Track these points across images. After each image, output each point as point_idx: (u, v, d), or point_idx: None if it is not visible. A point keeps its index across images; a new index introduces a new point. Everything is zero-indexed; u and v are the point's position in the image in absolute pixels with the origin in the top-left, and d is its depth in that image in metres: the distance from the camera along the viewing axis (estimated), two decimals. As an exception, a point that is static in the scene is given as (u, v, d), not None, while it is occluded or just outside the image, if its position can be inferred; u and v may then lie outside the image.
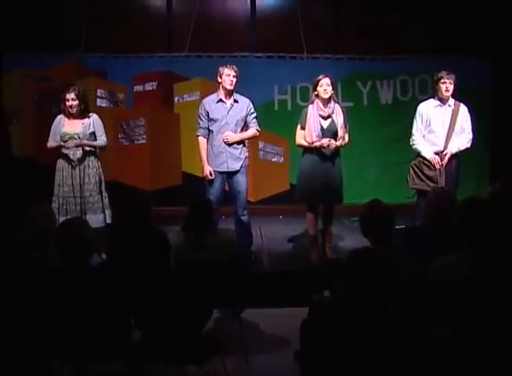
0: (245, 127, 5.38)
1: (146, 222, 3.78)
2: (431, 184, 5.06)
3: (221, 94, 5.29)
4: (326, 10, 7.57)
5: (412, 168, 5.29)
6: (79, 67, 7.03)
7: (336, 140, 5.13)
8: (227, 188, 5.40)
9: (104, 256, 4.62)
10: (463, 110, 5.29)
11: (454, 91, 5.23)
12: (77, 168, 5.18)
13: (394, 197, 5.74)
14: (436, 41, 7.00)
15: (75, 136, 5.15)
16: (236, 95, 5.32)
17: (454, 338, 2.62)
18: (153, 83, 7.28)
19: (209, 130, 5.30)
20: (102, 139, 5.30)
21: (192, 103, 7.04)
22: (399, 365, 2.34)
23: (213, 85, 5.56)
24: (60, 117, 5.26)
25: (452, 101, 5.28)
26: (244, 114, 5.31)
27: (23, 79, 7.04)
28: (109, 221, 5.26)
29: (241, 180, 5.32)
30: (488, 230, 2.88)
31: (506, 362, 2.57)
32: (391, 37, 7.13)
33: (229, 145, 5.27)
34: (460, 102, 5.31)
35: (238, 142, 5.31)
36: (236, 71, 5.21)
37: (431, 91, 5.68)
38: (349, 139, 5.27)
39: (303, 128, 5.21)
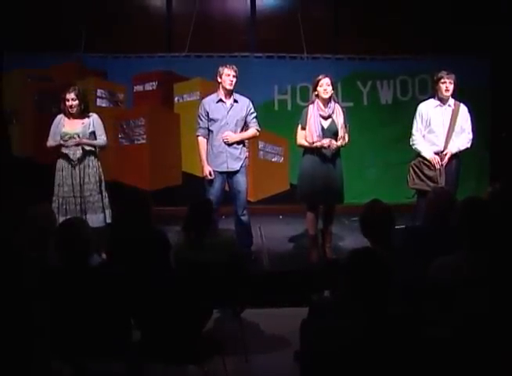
0: (245, 127, 5.38)
1: (146, 222, 3.79)
2: (431, 184, 5.06)
3: (221, 94, 5.29)
4: (326, 10, 7.58)
5: (412, 168, 5.29)
6: (79, 67, 7.03)
7: (336, 140, 5.13)
8: (227, 188, 5.40)
9: (104, 256, 4.62)
10: (463, 110, 5.29)
11: (454, 91, 5.23)
12: (77, 168, 5.18)
13: (394, 197, 5.75)
14: (436, 41, 7.00)
15: (75, 136, 5.16)
16: (236, 95, 5.32)
17: (454, 338, 2.62)
18: (153, 83, 7.28)
19: (209, 130, 5.30)
20: (102, 139, 5.30)
21: (192, 102, 7.04)
22: (399, 365, 2.34)
23: (213, 85, 5.56)
24: (60, 116, 5.26)
25: (452, 101, 5.28)
26: (244, 114, 5.31)
27: (23, 79, 7.04)
28: (109, 220, 5.27)
29: (241, 180, 5.32)
30: (488, 230, 2.88)
31: (506, 362, 2.57)
32: (391, 37, 7.13)
33: (229, 145, 5.26)
34: (460, 102, 5.31)
35: (238, 142, 5.31)
36: (235, 71, 5.21)
37: (431, 91, 5.68)
38: (349, 139, 5.27)
39: (303, 128, 5.20)
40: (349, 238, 5.85)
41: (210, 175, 5.25)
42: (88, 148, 5.22)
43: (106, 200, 5.30)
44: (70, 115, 5.21)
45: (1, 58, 6.82)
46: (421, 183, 5.20)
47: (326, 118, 5.19)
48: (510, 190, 4.21)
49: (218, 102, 5.28)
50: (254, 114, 5.39)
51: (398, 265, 2.81)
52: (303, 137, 5.20)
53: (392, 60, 7.34)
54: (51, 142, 5.25)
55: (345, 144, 5.22)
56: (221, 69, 5.24)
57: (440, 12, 7.03)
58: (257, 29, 7.47)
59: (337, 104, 5.27)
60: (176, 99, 7.30)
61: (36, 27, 6.74)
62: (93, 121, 5.27)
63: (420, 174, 5.23)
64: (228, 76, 5.20)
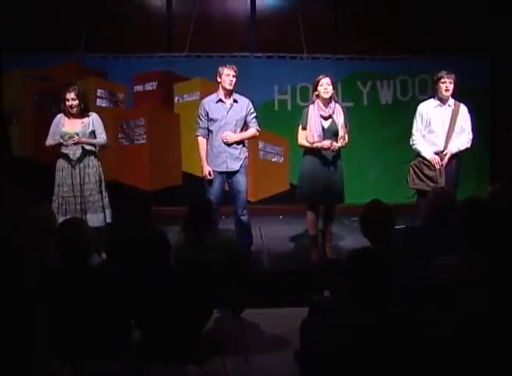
0: (245, 127, 5.38)
1: (146, 222, 3.78)
2: (431, 184, 5.06)
3: (220, 94, 5.28)
4: (326, 10, 7.58)
5: (412, 168, 5.29)
6: (79, 67, 7.03)
7: (337, 140, 5.13)
8: (227, 188, 5.40)
9: (104, 256, 4.62)
10: (463, 110, 5.29)
11: (454, 91, 5.23)
12: (76, 168, 5.18)
13: (394, 197, 5.75)
14: (436, 41, 7.00)
15: (75, 136, 5.15)
16: (236, 95, 5.32)
17: (454, 338, 2.62)
18: (153, 83, 7.28)
19: (209, 130, 5.30)
20: (102, 137, 5.30)
21: (192, 103, 7.03)
22: (399, 365, 2.34)
23: (213, 85, 5.55)
24: (60, 116, 5.26)
25: (452, 101, 5.28)
26: (244, 114, 5.31)
27: (23, 79, 7.04)
28: (109, 220, 5.27)
29: (241, 180, 5.32)
30: (488, 230, 2.88)
31: (506, 362, 2.57)
32: (391, 37, 7.13)
33: (229, 145, 5.26)
34: (460, 102, 5.31)
35: (237, 142, 5.31)
36: (235, 71, 5.21)
37: (431, 91, 5.67)
38: (349, 139, 5.26)
39: (304, 128, 5.20)
40: (349, 238, 5.85)
41: (209, 175, 5.25)
42: (88, 148, 5.22)
43: (106, 200, 5.30)
44: (70, 115, 5.21)
45: (1, 58, 6.81)
46: (421, 183, 5.20)
47: (326, 118, 5.18)
48: (510, 190, 4.21)
49: (217, 102, 5.28)
50: (254, 114, 5.39)
51: (398, 265, 2.81)
52: (304, 137, 5.20)
53: (392, 60, 7.34)
54: (50, 141, 5.25)
55: (345, 144, 5.21)
56: (220, 69, 5.24)
57: (440, 12, 7.03)
58: (257, 29, 7.47)
59: (337, 104, 5.26)
60: (176, 99, 7.30)
61: (36, 26, 6.73)
62: (93, 120, 5.27)
63: (420, 174, 5.23)
64: (228, 76, 5.20)
